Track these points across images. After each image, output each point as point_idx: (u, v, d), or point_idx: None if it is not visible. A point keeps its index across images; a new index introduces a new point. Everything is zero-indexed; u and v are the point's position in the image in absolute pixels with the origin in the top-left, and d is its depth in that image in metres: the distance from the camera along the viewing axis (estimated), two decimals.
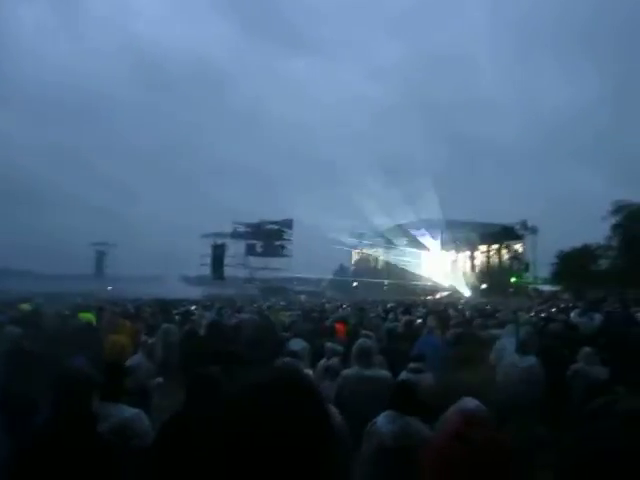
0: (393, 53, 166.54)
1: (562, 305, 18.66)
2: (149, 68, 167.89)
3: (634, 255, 35.52)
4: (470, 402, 2.00)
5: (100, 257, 55.89)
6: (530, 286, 47.43)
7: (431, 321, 8.73)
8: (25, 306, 12.78)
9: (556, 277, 43.87)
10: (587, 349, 5.11)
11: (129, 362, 4.89)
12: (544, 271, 47.83)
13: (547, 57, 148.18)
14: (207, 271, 56.24)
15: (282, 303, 23.98)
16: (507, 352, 5.39)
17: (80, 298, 20.75)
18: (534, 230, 50.15)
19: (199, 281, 53.78)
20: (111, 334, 6.42)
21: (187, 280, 51.85)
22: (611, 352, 5.41)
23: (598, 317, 10.45)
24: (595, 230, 41.73)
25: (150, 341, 5.99)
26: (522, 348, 4.96)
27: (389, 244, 57.64)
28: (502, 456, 1.67)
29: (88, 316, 8.79)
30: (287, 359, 4.51)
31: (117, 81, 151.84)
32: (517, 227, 51.02)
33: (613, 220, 39.35)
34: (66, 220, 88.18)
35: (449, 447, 1.75)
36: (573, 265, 40.04)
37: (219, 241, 56.70)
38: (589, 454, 1.34)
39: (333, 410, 3.23)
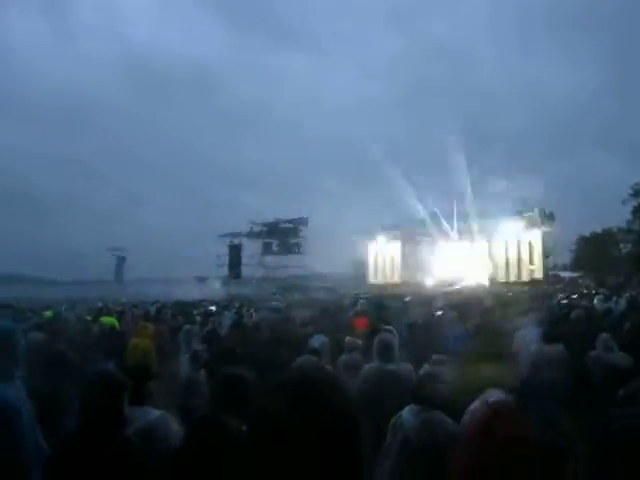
0: (392, 47, 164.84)
1: (584, 291, 18.41)
2: (151, 74, 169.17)
3: None
4: (496, 394, 1.97)
5: (119, 261, 56.45)
6: (550, 273, 46.81)
7: (451, 312, 8.67)
8: (48, 313, 12.97)
9: (576, 263, 43.25)
10: (604, 335, 5.02)
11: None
12: (564, 257, 47.21)
13: (551, 43, 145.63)
14: (225, 271, 56.55)
15: (299, 299, 23.99)
16: (531, 340, 5.32)
17: (101, 302, 20.99)
18: (551, 216, 49.34)
19: (217, 281, 53.97)
20: (134, 337, 6.47)
21: (205, 281, 52.08)
22: (636, 337, 5.31)
23: (623, 302, 10.28)
24: (615, 214, 41.02)
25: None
26: (546, 336, 4.90)
27: (405, 237, 57.18)
28: (532, 451, 1.65)
29: (110, 320, 8.90)
30: (307, 356, 4.52)
31: (121, 88, 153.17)
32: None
33: (634, 203, 38.62)
34: (83, 227, 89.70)
35: (479, 443, 1.73)
36: (593, 250, 39.37)
37: (235, 241, 56.96)
38: (617, 442, 1.31)
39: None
